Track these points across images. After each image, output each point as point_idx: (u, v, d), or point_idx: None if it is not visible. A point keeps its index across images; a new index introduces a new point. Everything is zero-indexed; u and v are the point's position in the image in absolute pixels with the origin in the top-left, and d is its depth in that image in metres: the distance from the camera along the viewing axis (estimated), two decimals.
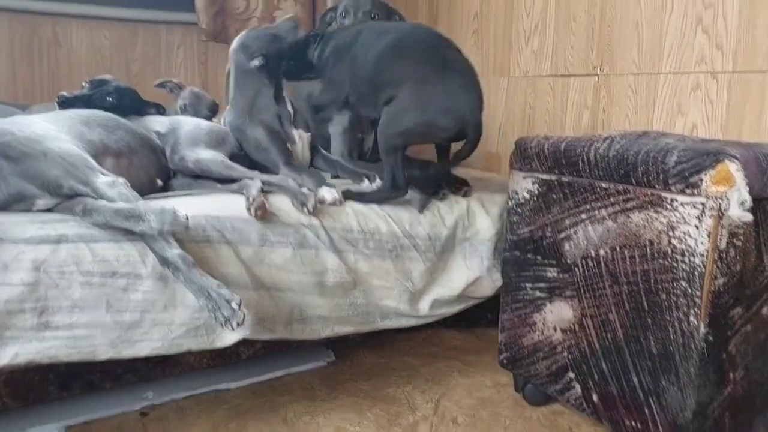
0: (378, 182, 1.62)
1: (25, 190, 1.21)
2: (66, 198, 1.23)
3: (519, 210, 1.59)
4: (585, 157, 1.42)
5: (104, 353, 1.15)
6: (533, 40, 2.30)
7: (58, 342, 1.11)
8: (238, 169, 1.52)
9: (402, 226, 1.53)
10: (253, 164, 1.73)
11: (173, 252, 1.12)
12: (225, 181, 1.53)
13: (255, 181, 1.46)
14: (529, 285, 1.54)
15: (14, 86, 2.57)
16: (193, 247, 1.23)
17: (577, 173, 1.45)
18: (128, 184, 1.25)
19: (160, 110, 1.81)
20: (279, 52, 1.66)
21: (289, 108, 1.74)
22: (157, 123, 1.68)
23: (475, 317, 1.88)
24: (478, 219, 1.64)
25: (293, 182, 1.50)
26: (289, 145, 1.68)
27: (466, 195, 1.67)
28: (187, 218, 1.12)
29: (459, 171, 2.05)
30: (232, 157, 1.63)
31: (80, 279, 1.13)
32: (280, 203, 1.42)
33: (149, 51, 2.82)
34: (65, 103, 1.53)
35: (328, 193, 1.47)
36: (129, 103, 1.69)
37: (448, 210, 1.61)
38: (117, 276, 1.16)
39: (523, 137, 1.61)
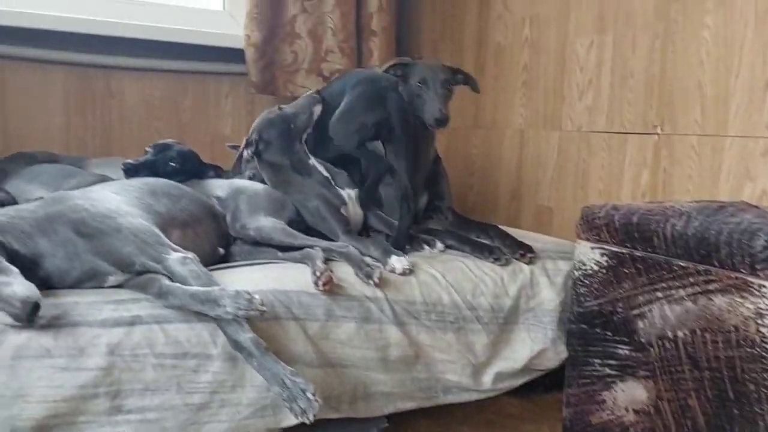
0: (439, 246, 1.59)
1: (99, 267, 1.21)
2: (136, 274, 1.23)
3: (587, 281, 1.54)
4: (660, 234, 1.38)
5: None
6: (587, 95, 2.27)
7: (130, 426, 1.09)
8: (299, 237, 1.52)
9: (464, 296, 1.49)
10: (310, 229, 1.72)
11: (246, 336, 1.11)
12: (286, 249, 1.52)
13: (317, 250, 1.44)
14: (597, 361, 1.49)
15: (67, 137, 2.62)
16: (261, 324, 1.21)
17: (652, 249, 1.41)
18: (198, 260, 1.25)
19: (218, 173, 1.82)
20: (289, 132, 1.69)
21: (324, 172, 1.73)
22: (217, 187, 1.69)
23: (533, 383, 1.82)
24: (542, 289, 1.60)
25: (355, 250, 1.48)
26: (342, 210, 1.67)
27: (530, 263, 1.63)
28: (262, 303, 1.10)
29: (511, 228, 2.03)
30: (291, 223, 1.63)
31: (153, 361, 1.12)
32: (344, 274, 1.41)
33: (198, 101, 2.86)
34: (130, 171, 1.54)
35: (398, 263, 1.45)
36: (190, 167, 1.71)
37: (512, 279, 1.57)
38: (188, 357, 1.14)
39: (590, 206, 1.58)
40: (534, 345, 1.58)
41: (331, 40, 2.76)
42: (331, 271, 1.33)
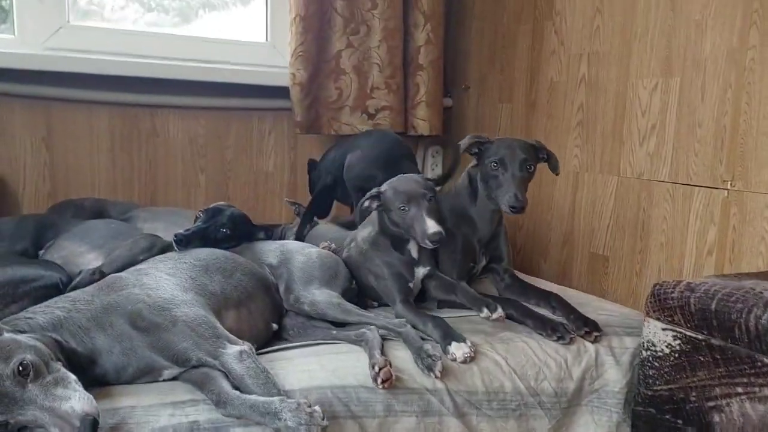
0: (499, 312, 1.51)
1: (155, 362, 1.17)
2: (192, 368, 1.18)
3: (656, 364, 1.45)
4: (743, 326, 1.28)
5: None
6: (649, 141, 2.16)
7: None
8: (355, 314, 1.46)
9: (528, 383, 1.41)
10: (361, 294, 1.67)
11: None
12: (341, 324, 1.46)
13: (373, 331, 1.38)
14: None
15: (114, 176, 2.62)
16: None
17: (732, 340, 1.31)
18: (254, 352, 1.20)
19: (268, 234, 1.78)
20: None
21: (414, 253, 1.67)
22: (268, 252, 1.64)
23: None
24: (608, 369, 1.51)
25: (413, 331, 1.42)
26: (410, 284, 1.61)
27: (596, 341, 1.54)
28: (324, 417, 1.05)
29: (562, 287, 1.94)
30: (345, 291, 1.57)
31: None
32: (403, 362, 1.34)
33: (242, 138, 2.84)
34: (182, 242, 1.50)
35: (458, 350, 1.38)
36: (241, 233, 1.66)
37: (576, 360, 1.48)
38: None
39: (663, 284, 1.48)
40: (598, 428, 1.49)
41: (377, 76, 2.70)
42: (390, 364, 1.27)
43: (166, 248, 1.63)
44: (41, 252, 1.74)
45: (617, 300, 2.24)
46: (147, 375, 1.18)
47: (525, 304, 1.65)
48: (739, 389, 1.30)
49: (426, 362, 1.30)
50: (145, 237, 1.69)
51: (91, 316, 1.16)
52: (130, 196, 2.63)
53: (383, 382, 1.22)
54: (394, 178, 1.65)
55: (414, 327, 1.50)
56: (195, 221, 1.62)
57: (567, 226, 2.51)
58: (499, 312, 1.50)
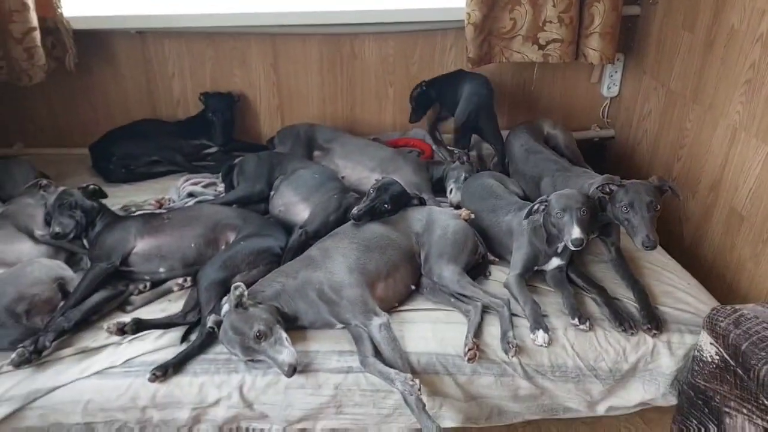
0: (587, 325, 1.93)
1: (331, 321, 1.93)
2: (354, 326, 1.92)
3: (701, 364, 1.86)
4: (754, 374, 1.63)
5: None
6: None
7: (347, 420, 1.88)
8: (469, 289, 2.03)
9: (587, 362, 1.91)
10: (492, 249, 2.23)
11: (411, 398, 1.74)
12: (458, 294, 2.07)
13: (476, 312, 1.97)
14: (695, 422, 1.87)
15: (323, 91, 3.26)
16: (426, 377, 1.85)
17: (747, 378, 1.67)
18: (390, 325, 1.88)
19: (423, 201, 2.34)
20: None
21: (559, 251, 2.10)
22: (416, 221, 2.23)
23: None
24: (662, 357, 1.92)
25: (508, 312, 1.96)
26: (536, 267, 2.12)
27: (655, 337, 1.94)
28: (420, 388, 1.71)
29: (668, 258, 2.21)
30: (468, 261, 2.14)
31: (358, 392, 1.85)
32: (490, 338, 1.92)
33: (425, 54, 3.23)
34: (357, 218, 2.13)
35: (541, 338, 1.86)
36: (399, 205, 2.25)
37: (633, 349, 1.92)
38: (379, 391, 1.85)
39: (719, 310, 1.81)
40: (646, 394, 1.96)
41: (551, 10, 2.82)
42: (477, 346, 1.86)
43: (349, 206, 2.30)
44: (272, 193, 2.52)
45: (739, 261, 2.46)
46: (328, 326, 1.95)
47: (609, 294, 2.06)
48: (745, 411, 1.69)
49: (504, 346, 1.88)
50: (335, 196, 2.38)
51: (296, 289, 1.92)
52: (335, 107, 3.29)
53: (470, 359, 1.84)
54: (560, 192, 2.05)
55: (515, 299, 2.05)
56: (368, 196, 2.23)
57: (717, 173, 2.63)
58: (586, 326, 1.93)
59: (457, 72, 3.03)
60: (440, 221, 2.23)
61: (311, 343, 1.90)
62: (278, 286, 1.93)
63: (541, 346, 1.89)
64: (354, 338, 1.90)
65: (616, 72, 3.32)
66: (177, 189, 2.68)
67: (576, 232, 1.94)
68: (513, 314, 2.00)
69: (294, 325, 1.92)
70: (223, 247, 2.15)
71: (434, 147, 3.10)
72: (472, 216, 2.31)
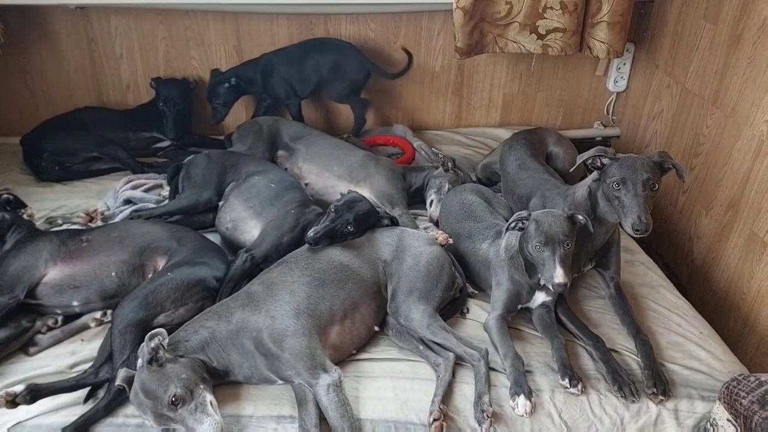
0: (578, 389, 1.62)
1: (270, 377, 1.60)
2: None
3: None
4: None
5: None
6: None
7: None
8: (441, 336, 1.70)
9: None
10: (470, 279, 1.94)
11: None
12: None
13: (448, 368, 1.64)
14: None
15: None
16: None
17: None
18: (341, 383, 1.55)
19: (394, 222, 1.99)
20: None
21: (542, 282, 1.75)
22: (385, 246, 1.88)
23: None
24: (667, 429, 1.61)
25: (485, 368, 1.64)
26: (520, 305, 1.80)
27: (660, 404, 1.61)
28: None
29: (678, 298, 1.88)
30: (444, 293, 1.81)
31: None
32: (463, 401, 1.59)
33: (410, 39, 2.85)
34: (315, 243, 1.79)
35: (521, 406, 1.55)
36: (365, 227, 1.90)
37: (633, 419, 1.60)
38: None
39: (740, 382, 1.49)
40: None
41: None
42: (444, 416, 1.53)
43: (308, 225, 1.95)
44: (221, 204, 2.17)
45: (759, 293, 2.14)
46: (266, 382, 1.62)
47: (605, 346, 1.72)
48: None
49: (478, 415, 1.55)
50: (293, 212, 2.03)
51: (228, 336, 1.58)
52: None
53: (435, 429, 1.51)
54: (543, 213, 1.72)
55: (494, 347, 1.72)
56: (327, 215, 1.88)
57: (737, 191, 2.29)
58: (578, 389, 1.60)
59: (295, 47, 2.70)
60: (412, 248, 1.88)
61: (245, 405, 1.58)
62: (206, 333, 1.59)
63: (524, 415, 1.56)
64: (297, 400, 1.57)
65: (624, 64, 2.95)
66: (115, 193, 2.32)
67: (558, 276, 1.62)
68: (492, 368, 1.67)
69: (226, 380, 1.60)
70: (150, 275, 1.81)
71: (416, 146, 2.74)
72: (450, 241, 1.97)
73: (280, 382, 1.61)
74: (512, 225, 1.74)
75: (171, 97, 2.63)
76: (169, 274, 1.73)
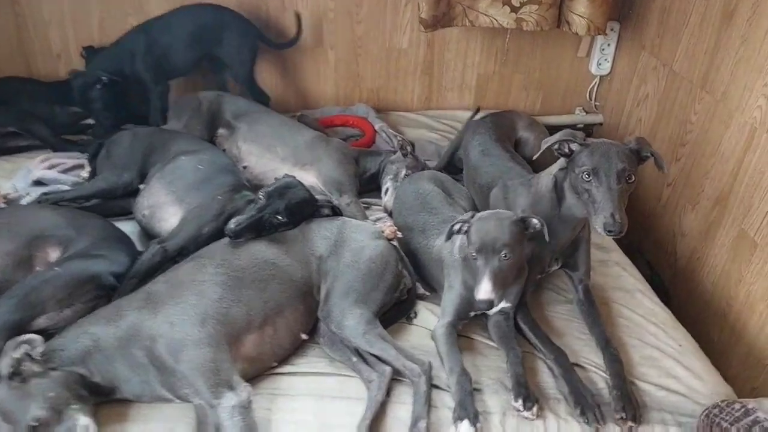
0: (533, 413, 1.38)
1: (165, 396, 1.35)
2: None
3: None
4: None
5: None
6: None
7: None
8: (377, 347, 1.45)
9: None
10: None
11: None
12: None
13: (381, 385, 1.39)
14: None
15: None
16: None
17: None
18: (249, 404, 1.30)
19: (336, 211, 1.73)
20: None
21: None
22: (321, 240, 1.63)
23: None
24: None
25: (426, 385, 1.39)
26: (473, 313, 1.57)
27: (631, 431, 1.37)
28: None
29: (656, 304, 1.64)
30: (386, 297, 1.56)
31: None
32: (396, 426, 1.35)
33: (374, 12, 2.59)
34: (236, 235, 1.54)
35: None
36: (299, 218, 1.65)
37: None
38: None
39: (723, 410, 1.25)
40: None
41: None
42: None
43: (234, 214, 1.69)
44: (141, 186, 1.91)
45: (748, 299, 1.90)
46: (161, 401, 1.36)
47: (569, 362, 1.47)
48: None
49: None
50: (220, 198, 1.76)
51: (117, 344, 1.32)
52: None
53: None
54: (488, 214, 1.49)
55: (440, 359, 1.48)
56: (255, 203, 1.62)
57: (726, 184, 2.05)
58: (532, 413, 1.37)
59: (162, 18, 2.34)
60: (353, 241, 1.63)
61: (131, 428, 1.32)
62: (88, 340, 1.33)
63: None
64: (196, 422, 1.32)
65: (608, 45, 2.69)
66: (27, 172, 2.05)
67: (482, 291, 1.40)
68: (435, 386, 1.43)
69: (111, 398, 1.34)
70: (39, 269, 1.55)
71: (378, 128, 2.48)
72: (399, 234, 1.72)
73: (177, 401, 1.36)
74: (456, 228, 1.49)
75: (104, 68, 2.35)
76: (56, 268, 1.47)
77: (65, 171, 2.09)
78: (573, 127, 2.83)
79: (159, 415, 1.35)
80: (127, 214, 1.93)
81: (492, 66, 2.76)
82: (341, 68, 2.69)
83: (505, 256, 1.41)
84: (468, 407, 1.35)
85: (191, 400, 1.32)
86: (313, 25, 2.58)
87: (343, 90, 2.74)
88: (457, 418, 1.33)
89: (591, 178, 1.44)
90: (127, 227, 1.85)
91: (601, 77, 2.80)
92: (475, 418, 1.33)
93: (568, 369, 1.45)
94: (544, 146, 1.54)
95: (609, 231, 1.40)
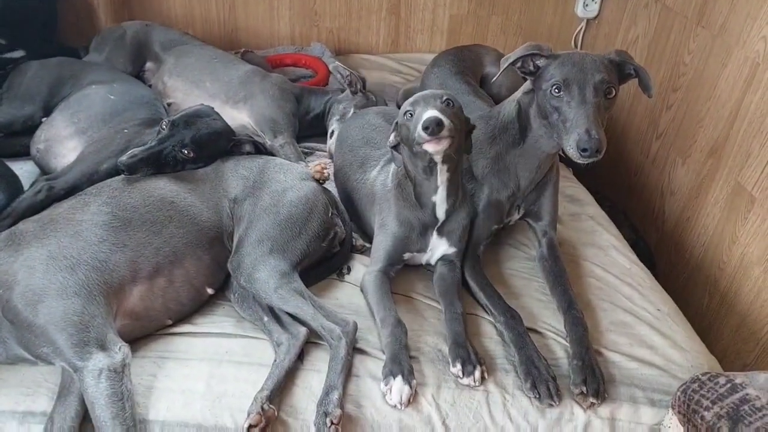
0: (474, 378, 1.15)
1: (24, 357, 1.10)
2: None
3: None
4: None
5: None
6: None
7: None
8: (292, 304, 1.20)
9: None
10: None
11: None
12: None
13: (299, 337, 1.16)
14: None
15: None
16: None
17: None
18: (124, 370, 1.05)
19: (260, 147, 1.47)
20: None
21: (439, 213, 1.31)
22: (237, 180, 1.37)
23: None
24: None
25: (347, 348, 1.14)
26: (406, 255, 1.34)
27: (590, 408, 1.12)
28: None
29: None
30: (304, 254, 1.30)
31: None
32: (301, 399, 1.10)
33: None
34: (129, 169, 1.28)
35: (397, 392, 1.09)
36: (211, 152, 1.39)
37: (550, 429, 1.12)
38: None
39: (704, 384, 1.01)
40: None
41: None
42: (268, 422, 1.04)
43: (139, 147, 1.42)
44: (43, 120, 1.64)
45: (742, 261, 1.65)
46: (22, 362, 1.12)
47: (522, 324, 1.22)
48: None
49: (318, 420, 1.05)
50: (124, 132, 1.51)
51: None
52: (207, 9, 2.36)
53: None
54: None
55: (370, 311, 1.23)
56: (158, 133, 1.36)
57: (722, 131, 1.78)
58: (473, 379, 1.13)
59: None
60: (274, 182, 1.37)
61: None
62: None
63: (395, 406, 1.08)
64: (60, 386, 1.07)
65: None
66: None
67: (427, 114, 1.13)
68: (360, 350, 1.18)
69: None
70: None
71: (332, 68, 2.19)
72: (327, 173, 1.45)
73: (39, 363, 1.11)
74: (390, 139, 1.27)
75: None
76: None
77: None
78: None
79: (16, 378, 1.11)
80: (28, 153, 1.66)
81: (466, 6, 2.47)
82: (298, 4, 2.41)
83: (443, 102, 1.17)
84: (402, 362, 1.12)
85: (52, 361, 1.07)
86: None
87: (299, 28, 2.46)
88: (389, 374, 1.11)
89: (562, 92, 1.18)
90: (28, 167, 1.60)
91: (588, 20, 2.52)
92: (410, 375, 1.11)
93: (520, 334, 1.20)
94: (504, 65, 1.26)
95: (583, 151, 1.14)
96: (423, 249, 1.33)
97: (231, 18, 2.41)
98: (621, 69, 1.23)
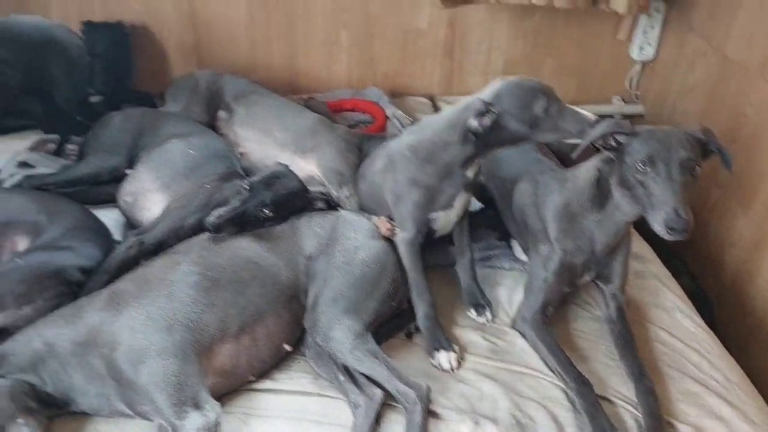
0: (449, 360, 1.36)
1: (125, 412, 1.18)
2: None
3: None
4: None
5: None
6: None
7: None
8: (367, 365, 1.26)
9: None
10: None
11: None
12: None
13: (371, 406, 1.21)
14: None
15: (251, 33, 2.43)
16: None
17: None
18: (217, 429, 1.13)
19: (331, 204, 1.54)
20: None
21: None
22: (312, 237, 1.43)
23: None
24: None
25: (420, 417, 1.19)
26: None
27: None
28: None
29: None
30: (382, 306, 1.38)
31: None
32: None
33: None
34: (215, 229, 1.36)
35: (445, 360, 1.34)
36: (288, 211, 1.46)
37: None
38: None
39: None
40: None
41: None
42: None
43: (222, 202, 1.50)
44: (128, 172, 1.75)
45: None
46: (123, 416, 1.20)
47: (597, 395, 1.25)
48: None
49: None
50: (208, 186, 1.60)
51: (73, 350, 1.16)
52: (269, 54, 2.46)
53: None
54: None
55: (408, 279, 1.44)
56: (239, 194, 1.44)
57: None
58: (486, 318, 1.46)
59: None
60: (346, 240, 1.43)
61: None
62: (40, 344, 1.17)
63: (449, 370, 1.34)
64: None
65: (652, 28, 2.43)
66: (14, 155, 1.90)
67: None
68: (433, 413, 1.23)
69: (66, 411, 1.18)
70: (3, 259, 1.39)
71: (390, 114, 2.27)
72: (397, 232, 1.52)
73: (138, 419, 1.19)
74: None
75: (101, 44, 2.20)
76: (17, 260, 1.31)
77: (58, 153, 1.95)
78: (610, 118, 2.58)
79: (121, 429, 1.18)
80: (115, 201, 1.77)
81: (521, 49, 2.52)
82: (355, 49, 2.49)
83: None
84: (440, 338, 1.37)
85: (151, 418, 1.15)
86: (322, 4, 2.38)
87: (356, 72, 2.54)
88: (432, 349, 1.36)
89: (648, 167, 1.21)
90: (114, 215, 1.70)
91: (643, 63, 2.54)
92: (447, 344, 1.37)
93: (592, 403, 1.23)
94: (586, 142, 1.30)
95: (671, 229, 1.17)
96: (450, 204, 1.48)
97: (291, 63, 2.50)
98: (705, 145, 1.26)
